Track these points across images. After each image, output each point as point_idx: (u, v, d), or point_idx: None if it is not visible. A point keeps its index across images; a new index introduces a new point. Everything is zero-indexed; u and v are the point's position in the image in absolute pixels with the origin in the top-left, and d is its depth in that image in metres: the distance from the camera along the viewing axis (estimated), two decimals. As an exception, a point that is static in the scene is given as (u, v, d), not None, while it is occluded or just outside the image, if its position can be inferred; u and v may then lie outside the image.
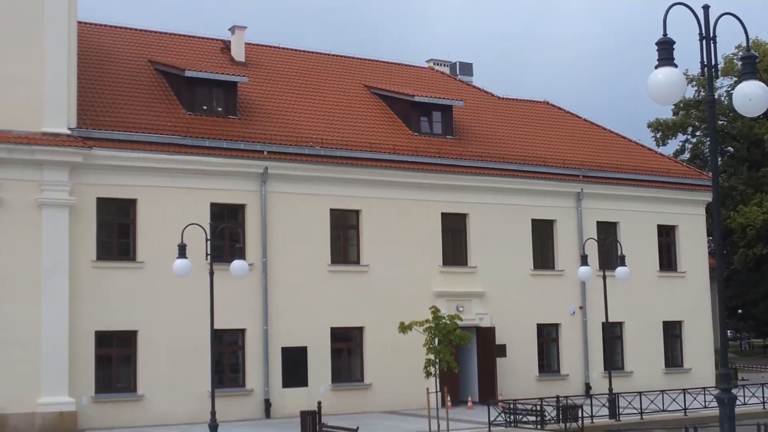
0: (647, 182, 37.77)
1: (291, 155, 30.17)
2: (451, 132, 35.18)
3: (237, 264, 22.54)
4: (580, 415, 25.36)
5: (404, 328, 24.52)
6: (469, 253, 33.37)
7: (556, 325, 34.95)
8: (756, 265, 55.06)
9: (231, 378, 28.80)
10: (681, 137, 58.57)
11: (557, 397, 26.28)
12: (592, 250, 32.75)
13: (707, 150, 56.53)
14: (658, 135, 57.52)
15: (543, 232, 35.20)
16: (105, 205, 27.37)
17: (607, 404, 27.20)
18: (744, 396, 28.47)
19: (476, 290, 32.98)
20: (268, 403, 28.70)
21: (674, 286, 37.76)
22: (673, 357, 37.81)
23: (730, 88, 54.04)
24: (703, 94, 53.45)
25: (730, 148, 58.43)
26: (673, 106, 53.68)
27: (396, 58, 41.35)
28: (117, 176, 27.35)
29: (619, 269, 29.03)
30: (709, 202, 39.63)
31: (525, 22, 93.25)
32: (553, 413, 25.55)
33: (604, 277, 29.12)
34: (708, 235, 41.08)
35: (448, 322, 24.60)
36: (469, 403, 30.90)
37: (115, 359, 27.22)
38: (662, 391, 28.55)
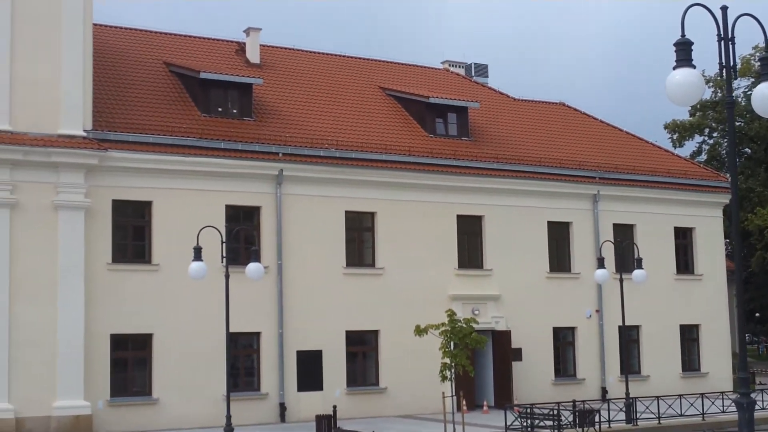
0: (664, 184, 37.50)
1: (306, 157, 30.10)
2: (466, 134, 35.03)
3: (252, 267, 22.51)
4: (597, 419, 25.17)
5: (420, 331, 24.41)
6: (485, 256, 33.20)
7: (572, 329, 34.74)
8: (773, 268, 54.62)
9: (246, 381, 28.73)
10: (698, 139, 58.20)
11: (574, 401, 26.08)
12: (609, 253, 32.54)
13: (724, 151, 56.17)
14: (675, 136, 57.19)
15: (559, 235, 34.99)
16: (120, 208, 27.35)
17: (623, 409, 26.99)
18: (762, 400, 28.26)
19: (492, 293, 32.82)
20: (283, 407, 28.60)
21: (691, 289, 37.48)
22: (690, 361, 37.51)
23: (747, 89, 53.66)
24: (720, 95, 53.10)
25: (747, 149, 58.04)
26: (690, 108, 53.32)
27: (411, 60, 41.27)
28: (132, 178, 27.33)
29: (636, 272, 28.80)
30: (727, 204, 39.36)
31: (539, 22, 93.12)
32: (570, 418, 25.36)
33: (621, 280, 28.93)
34: (725, 238, 40.78)
35: (464, 325, 24.46)
36: (485, 408, 30.73)
37: (131, 362, 27.18)
38: (680, 396, 28.31)
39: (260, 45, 35.11)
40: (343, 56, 38.41)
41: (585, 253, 34.83)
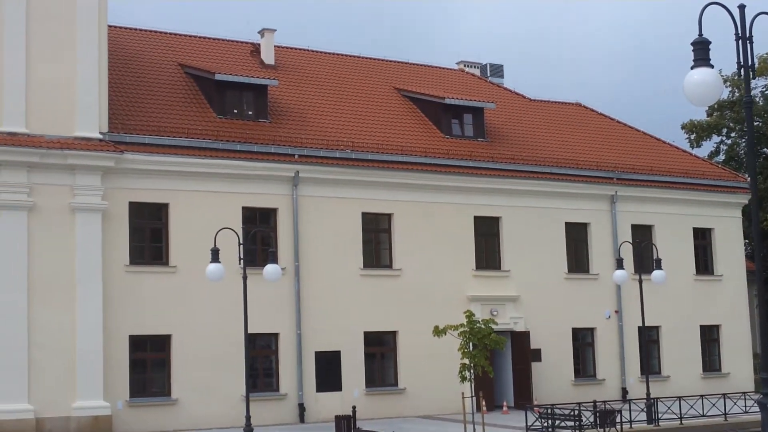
0: (682, 184, 37.25)
1: (322, 159, 30.02)
2: (482, 134, 34.88)
3: (270, 268, 22.48)
4: (618, 420, 24.96)
5: (439, 332, 24.29)
6: (503, 257, 33.03)
7: (591, 329, 34.51)
8: (793, 268, 54.14)
9: (265, 382, 28.65)
10: (715, 139, 57.76)
11: (594, 401, 25.87)
12: (627, 254, 32.32)
13: (742, 151, 55.71)
14: (692, 137, 56.77)
15: (577, 236, 34.79)
16: (137, 210, 27.34)
17: (644, 409, 26.75)
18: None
19: (510, 294, 32.64)
20: (302, 408, 28.51)
21: (711, 289, 37.20)
22: (711, 361, 37.22)
23: (765, 89, 53.29)
24: (737, 94, 52.68)
25: (765, 149, 57.58)
26: (707, 108, 52.93)
27: (426, 60, 41.12)
28: (149, 180, 27.31)
29: (655, 272, 28.61)
30: (746, 204, 39.09)
31: (555, 22, 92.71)
32: (591, 418, 25.14)
33: (640, 281, 28.74)
34: (744, 238, 40.47)
35: (483, 326, 24.32)
36: (505, 408, 30.55)
37: (150, 363, 27.15)
38: (701, 396, 28.05)
39: (275, 46, 35.08)
40: (358, 57, 38.33)
41: (603, 254, 34.59)
